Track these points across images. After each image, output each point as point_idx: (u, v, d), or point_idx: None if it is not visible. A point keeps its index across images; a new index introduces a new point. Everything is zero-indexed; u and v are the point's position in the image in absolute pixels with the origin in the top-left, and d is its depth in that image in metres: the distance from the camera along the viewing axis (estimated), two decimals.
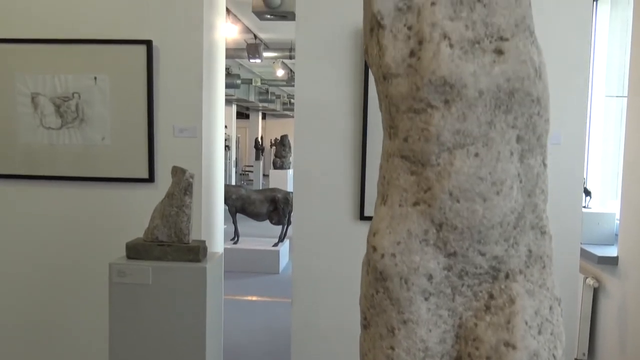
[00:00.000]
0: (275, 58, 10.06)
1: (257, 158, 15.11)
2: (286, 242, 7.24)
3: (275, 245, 7.09)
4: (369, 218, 3.02)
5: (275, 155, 11.60)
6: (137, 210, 3.10)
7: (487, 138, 0.80)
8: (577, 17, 2.91)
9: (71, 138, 3.22)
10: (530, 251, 0.88)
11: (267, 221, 7.24)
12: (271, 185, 10.79)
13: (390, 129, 0.86)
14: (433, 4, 0.79)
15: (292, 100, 19.72)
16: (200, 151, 3.19)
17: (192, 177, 2.40)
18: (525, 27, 0.79)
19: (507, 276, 0.86)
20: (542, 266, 0.88)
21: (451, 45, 0.78)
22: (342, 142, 3.01)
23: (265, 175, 15.58)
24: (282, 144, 11.40)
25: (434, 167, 0.81)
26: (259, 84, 13.47)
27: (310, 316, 3.06)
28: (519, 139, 0.82)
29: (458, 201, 0.80)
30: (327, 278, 3.03)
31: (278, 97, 18.07)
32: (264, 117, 23.11)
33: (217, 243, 3.55)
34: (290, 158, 11.74)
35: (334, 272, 3.02)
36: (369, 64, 0.92)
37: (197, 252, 2.39)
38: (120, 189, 3.22)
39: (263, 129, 22.53)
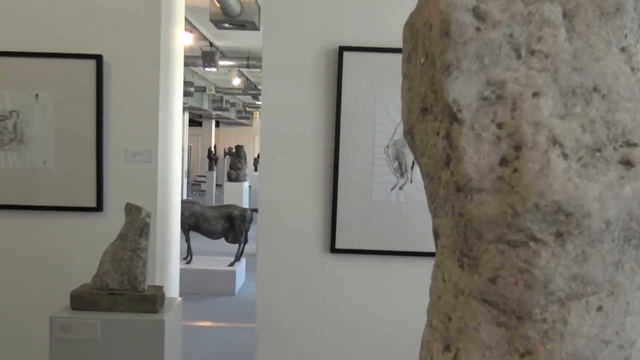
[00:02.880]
0: (232, 67, 9.76)
1: (210, 168, 14.67)
2: (243, 261, 6.97)
3: (231, 265, 6.79)
4: (341, 250, 2.85)
5: (230, 167, 11.22)
6: (84, 243, 2.85)
7: (613, 284, 0.58)
8: None
9: (7, 162, 2.91)
10: None
11: (223, 239, 6.95)
12: (226, 198, 10.44)
13: (464, 257, 0.63)
14: (536, 94, 0.57)
15: (247, 109, 19.39)
16: (155, 178, 2.93)
17: (148, 216, 2.12)
18: None
19: None
20: None
21: (565, 155, 0.56)
22: (311, 168, 2.83)
23: (219, 186, 15.17)
24: (237, 155, 11.05)
25: (538, 324, 0.59)
26: (213, 92, 13.11)
27: (276, 355, 2.83)
28: None
29: None
30: (295, 316, 2.85)
31: (233, 105, 17.71)
32: (217, 125, 22.64)
33: (173, 285, 3.26)
34: (246, 170, 11.41)
35: (303, 309, 2.83)
36: (415, 152, 0.69)
37: (153, 301, 2.11)
38: (65, 219, 2.93)
39: (216, 137, 22.04)
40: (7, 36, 2.87)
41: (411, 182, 2.86)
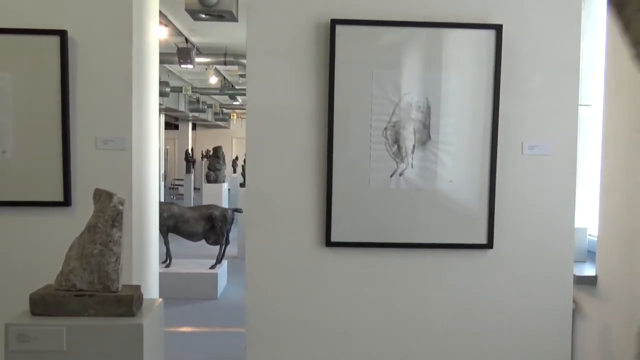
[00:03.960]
0: (209, 64, 9.53)
1: (188, 171, 14.47)
2: (224, 263, 6.74)
3: (213, 267, 6.56)
4: (337, 244, 2.64)
5: (209, 168, 10.96)
6: (50, 242, 2.55)
7: None
8: (566, 20, 2.65)
9: None
10: None
11: (203, 241, 6.72)
12: (205, 200, 10.18)
13: None
14: None
15: (224, 110, 19.18)
16: (129, 167, 2.67)
17: (122, 203, 1.84)
18: None
19: None
20: None
21: None
22: (303, 155, 2.62)
23: (197, 189, 14.95)
24: (216, 156, 10.78)
25: None
26: (189, 92, 12.83)
27: None
28: None
29: None
30: (289, 317, 2.64)
31: (210, 106, 17.48)
32: (194, 128, 22.46)
33: (153, 287, 2.98)
34: (225, 171, 11.16)
35: (297, 309, 2.63)
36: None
37: (129, 303, 1.83)
38: (28, 215, 2.67)
39: (193, 140, 21.86)
40: None
41: (412, 167, 2.65)
